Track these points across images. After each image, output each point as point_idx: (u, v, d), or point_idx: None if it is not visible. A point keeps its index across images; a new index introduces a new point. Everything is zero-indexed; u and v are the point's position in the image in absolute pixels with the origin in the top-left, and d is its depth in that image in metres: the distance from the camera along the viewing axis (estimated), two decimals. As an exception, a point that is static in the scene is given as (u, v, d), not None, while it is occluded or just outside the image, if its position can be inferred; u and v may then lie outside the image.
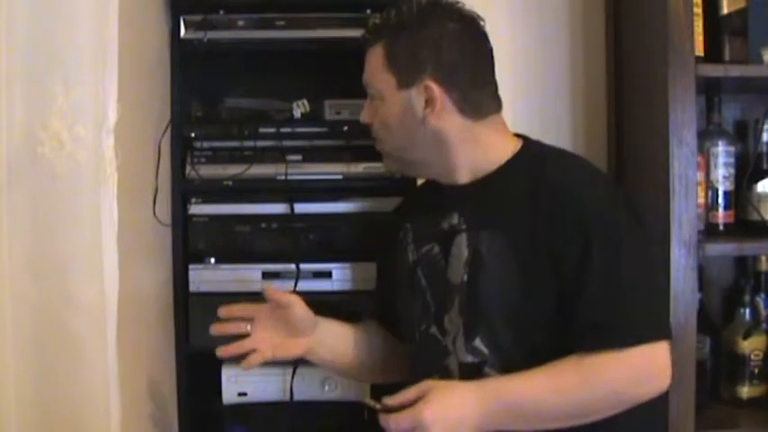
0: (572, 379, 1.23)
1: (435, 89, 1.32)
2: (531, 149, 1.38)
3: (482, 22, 1.38)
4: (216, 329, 1.41)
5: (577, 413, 1.24)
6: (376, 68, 1.36)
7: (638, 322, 1.24)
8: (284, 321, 1.42)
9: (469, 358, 1.31)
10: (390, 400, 1.23)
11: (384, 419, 1.21)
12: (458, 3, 1.37)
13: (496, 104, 1.38)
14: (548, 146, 1.42)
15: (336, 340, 1.49)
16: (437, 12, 1.35)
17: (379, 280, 1.58)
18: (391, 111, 1.35)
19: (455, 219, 1.36)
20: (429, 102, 1.32)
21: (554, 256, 1.25)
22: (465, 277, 1.33)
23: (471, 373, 1.31)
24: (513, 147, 1.37)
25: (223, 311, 1.41)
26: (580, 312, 1.23)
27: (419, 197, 1.52)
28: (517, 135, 1.41)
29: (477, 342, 1.31)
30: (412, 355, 1.44)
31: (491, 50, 1.39)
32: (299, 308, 1.42)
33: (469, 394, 1.23)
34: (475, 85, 1.35)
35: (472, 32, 1.36)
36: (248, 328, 1.41)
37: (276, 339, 1.42)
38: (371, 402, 1.25)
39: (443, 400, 1.21)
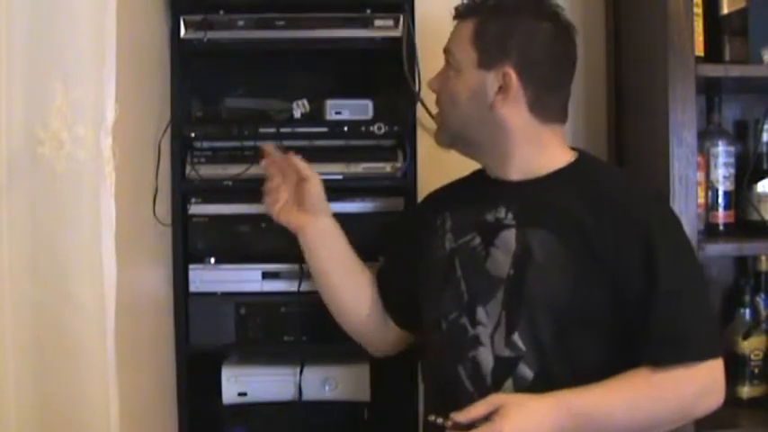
0: (644, 393, 1.24)
1: (513, 78, 1.33)
2: (586, 160, 1.41)
3: (575, 32, 1.39)
4: (267, 151, 1.57)
5: (645, 426, 1.26)
6: (462, 40, 1.37)
7: (707, 338, 1.27)
8: (300, 195, 1.54)
9: (506, 352, 1.30)
10: (460, 416, 1.21)
11: None
12: (558, 5, 1.38)
13: (563, 115, 1.41)
14: (603, 161, 1.47)
15: (334, 244, 1.55)
16: (537, 7, 1.36)
17: (391, 255, 1.58)
18: (464, 86, 1.36)
19: (501, 212, 1.36)
20: (503, 88, 1.33)
21: (613, 267, 1.26)
22: (511, 271, 1.32)
23: (505, 367, 1.30)
24: (569, 157, 1.39)
25: (269, 148, 1.57)
26: (651, 326, 1.24)
27: (462, 188, 1.50)
28: (573, 148, 1.42)
29: (516, 337, 1.30)
30: (433, 342, 1.42)
31: (575, 62, 1.40)
32: (316, 186, 1.53)
33: (544, 408, 1.22)
34: (551, 89, 1.37)
35: (564, 38, 1.38)
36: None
37: (288, 202, 1.55)
38: (439, 419, 1.23)
39: (519, 414, 1.20)
